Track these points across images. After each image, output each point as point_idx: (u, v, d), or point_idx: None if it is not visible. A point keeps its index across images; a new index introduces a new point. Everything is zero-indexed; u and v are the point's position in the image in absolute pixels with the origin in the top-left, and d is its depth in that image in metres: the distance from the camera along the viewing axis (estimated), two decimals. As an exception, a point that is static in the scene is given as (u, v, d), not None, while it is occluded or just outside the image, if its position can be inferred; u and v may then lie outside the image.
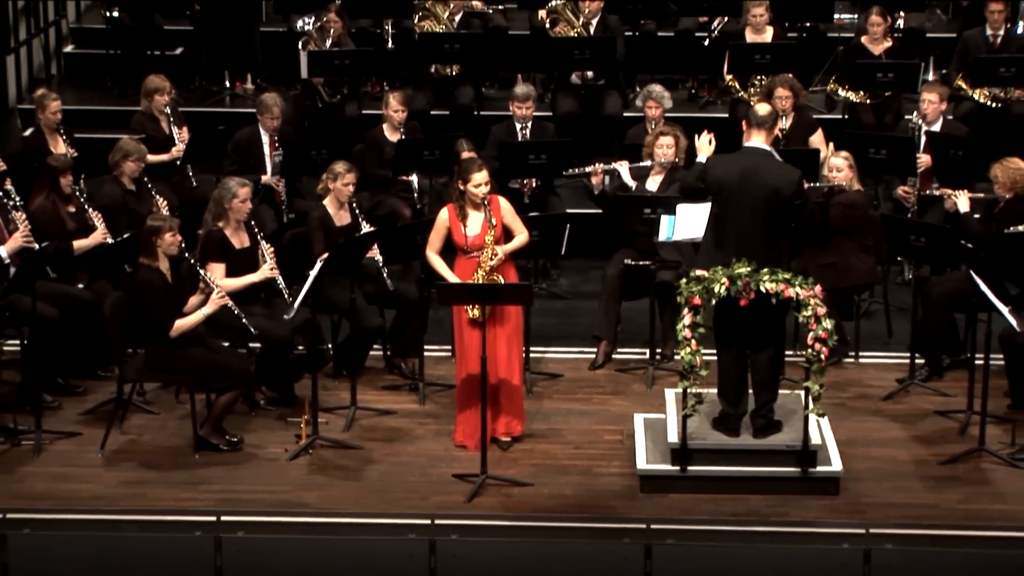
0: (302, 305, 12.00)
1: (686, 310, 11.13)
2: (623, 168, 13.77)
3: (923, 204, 13.96)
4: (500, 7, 17.44)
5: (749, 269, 11.02)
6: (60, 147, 13.97)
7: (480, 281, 11.70)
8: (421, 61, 16.26)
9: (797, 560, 10.44)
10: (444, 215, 11.94)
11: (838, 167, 13.14)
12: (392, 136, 14.50)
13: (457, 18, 16.47)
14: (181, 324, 11.61)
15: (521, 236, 12.04)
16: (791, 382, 11.73)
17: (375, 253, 12.62)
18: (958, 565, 10.35)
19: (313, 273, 11.89)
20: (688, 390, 11.18)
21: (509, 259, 11.99)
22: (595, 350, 13.26)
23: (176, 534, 10.67)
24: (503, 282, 11.77)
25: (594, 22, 16.17)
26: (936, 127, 14.28)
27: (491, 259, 11.79)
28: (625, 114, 15.87)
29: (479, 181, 11.77)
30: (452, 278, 11.82)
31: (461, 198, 11.85)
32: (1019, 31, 16.44)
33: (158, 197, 13.18)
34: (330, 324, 12.74)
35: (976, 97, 15.56)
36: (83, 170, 13.29)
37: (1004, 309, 11.54)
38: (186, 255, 11.83)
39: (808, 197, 11.77)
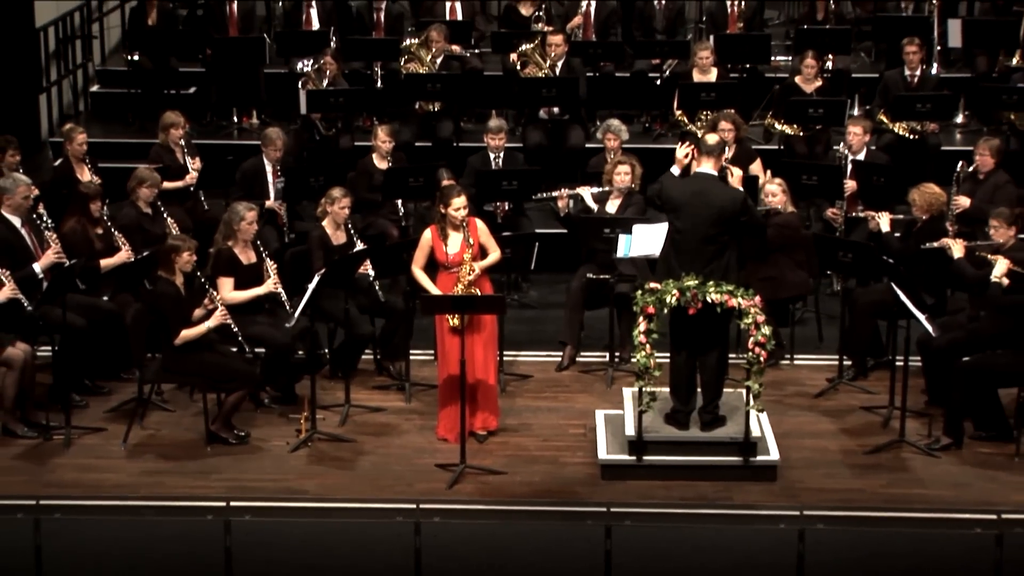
0: (302, 314, 11.99)
1: (641, 318, 11.15)
2: (585, 193, 13.78)
3: (850, 224, 14.00)
4: (476, 51, 17.45)
5: (697, 282, 11.05)
6: (86, 175, 13.96)
7: (459, 293, 11.71)
8: (406, 99, 16.26)
9: (740, 539, 10.43)
10: (427, 235, 11.94)
11: (773, 192, 13.19)
12: (381, 165, 14.49)
13: (438, 61, 16.48)
14: (186, 334, 11.59)
15: (495, 254, 12.04)
16: (734, 382, 11.72)
17: (367, 268, 12.62)
18: (882, 543, 10.35)
19: (311, 286, 11.88)
20: (643, 389, 11.18)
21: (485, 274, 11.99)
22: (561, 354, 13.25)
23: (190, 518, 10.64)
24: (479, 294, 11.77)
25: (559, 64, 16.19)
26: (861, 156, 14.31)
27: (469, 274, 11.80)
28: (587, 145, 15.88)
29: (458, 205, 11.79)
30: (434, 291, 11.81)
31: (442, 220, 11.86)
32: (933, 71, 16.52)
33: (171, 220, 13.18)
34: (327, 331, 12.75)
35: (896, 130, 15.60)
36: (107, 195, 13.25)
37: (921, 317, 11.57)
38: (198, 272, 11.83)
39: (754, 211, 11.85)
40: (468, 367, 11.48)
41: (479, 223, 12.05)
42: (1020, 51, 16.70)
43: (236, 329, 11.73)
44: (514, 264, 13.49)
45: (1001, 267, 11.57)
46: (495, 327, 11.97)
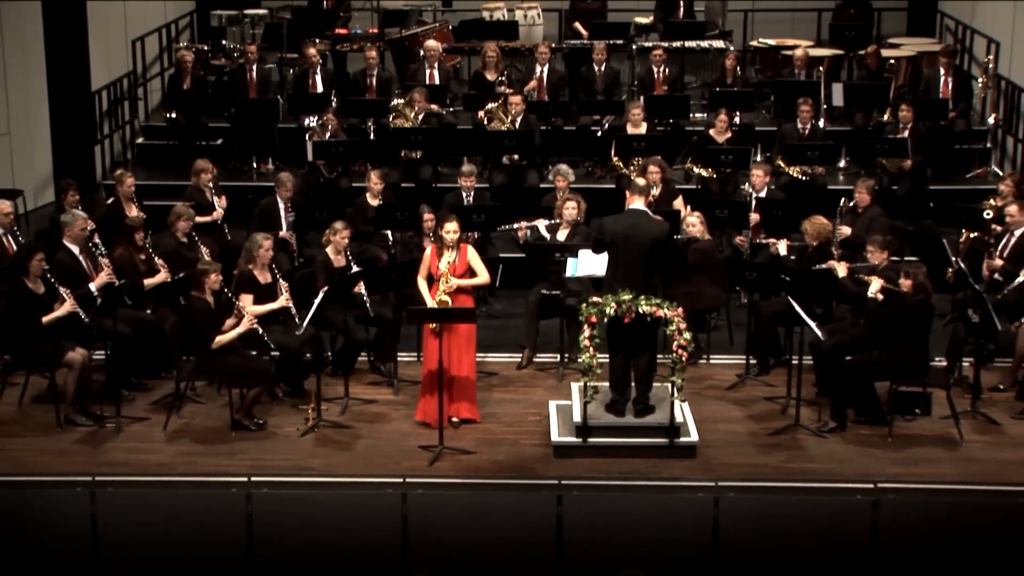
0: (309, 324, 11.98)
1: (586, 326, 11.16)
2: (540, 224, 13.81)
3: (754, 249, 14.02)
4: (451, 109, 17.44)
5: (631, 296, 11.07)
6: (133, 211, 13.89)
7: (437, 298, 11.69)
8: (394, 148, 16.24)
9: (666, 505, 10.48)
10: (428, 251, 11.97)
11: (692, 223, 13.20)
12: (373, 202, 14.46)
13: (420, 117, 16.44)
14: (220, 340, 11.55)
15: (480, 278, 11.96)
16: (661, 377, 11.72)
17: (361, 287, 12.59)
18: (781, 507, 10.41)
19: (317, 301, 11.87)
20: (588, 384, 11.20)
21: (470, 291, 11.94)
22: (521, 355, 13.23)
23: (218, 491, 10.63)
24: (450, 303, 11.72)
25: (519, 119, 16.19)
26: (763, 194, 14.34)
27: (446, 283, 11.75)
28: (541, 186, 15.86)
29: (450, 229, 11.82)
30: (428, 299, 11.78)
31: (440, 241, 11.85)
32: (821, 125, 16.59)
33: (203, 247, 13.14)
34: (329, 338, 12.68)
35: (791, 172, 15.65)
36: (149, 227, 13.21)
37: (812, 324, 11.62)
38: (224, 290, 11.79)
39: (676, 240, 11.91)
40: (447, 366, 11.47)
41: (471, 250, 12.02)
42: (890, 109, 16.81)
43: (262, 332, 11.70)
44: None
45: (875, 285, 11.65)
46: (472, 333, 11.89)
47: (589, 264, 12.43)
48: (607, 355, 11.46)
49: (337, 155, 15.95)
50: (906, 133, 15.83)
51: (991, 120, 17.78)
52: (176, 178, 16.44)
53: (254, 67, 17.68)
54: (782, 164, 15.67)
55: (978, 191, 15.83)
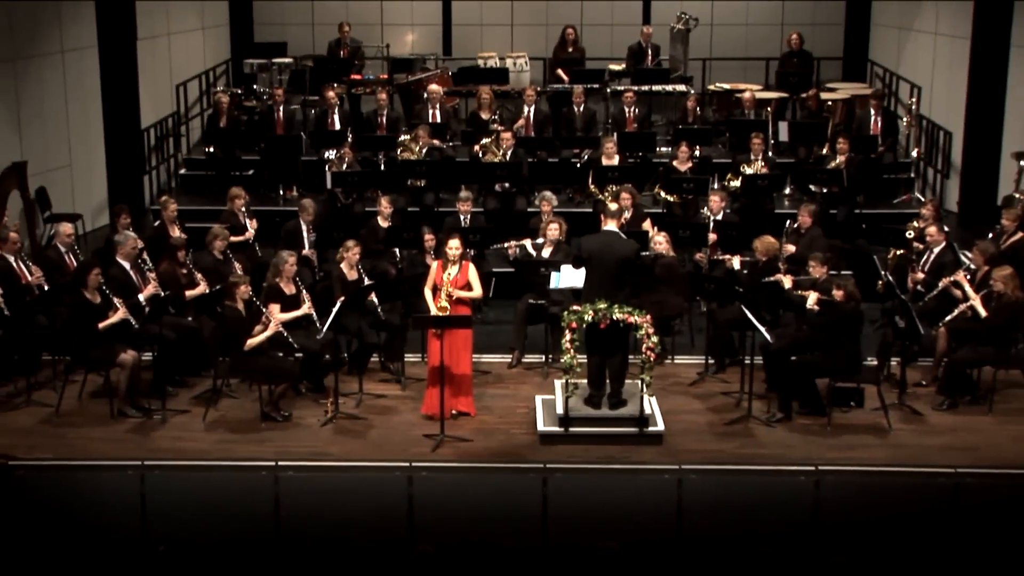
0: (328, 329, 11.93)
1: (567, 331, 11.15)
2: (527, 243, 13.80)
3: (712, 264, 14.00)
4: (451, 143, 17.44)
5: (606, 305, 11.06)
6: (176, 232, 13.86)
7: (438, 307, 11.64)
8: (401, 177, 16.23)
9: (636, 485, 10.47)
10: (435, 265, 11.92)
11: (659, 242, 13.19)
12: (383, 224, 14.43)
13: (424, 151, 16.46)
14: (251, 343, 11.52)
15: (475, 292, 11.89)
16: (632, 375, 11.70)
17: (373, 297, 12.57)
18: (736, 487, 10.42)
19: (335, 309, 11.83)
20: (569, 381, 11.18)
21: (468, 303, 11.89)
22: (511, 356, 13.21)
23: (250, 474, 10.62)
24: (449, 311, 11.69)
25: (509, 152, 16.20)
26: (719, 216, 14.35)
27: (446, 295, 11.72)
28: (528, 210, 15.86)
29: (452, 245, 11.77)
30: (432, 307, 11.73)
31: (445, 256, 11.82)
32: (770, 155, 16.59)
33: (236, 263, 13.12)
34: (345, 341, 12.66)
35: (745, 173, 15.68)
36: (190, 246, 13.20)
37: (762, 329, 11.60)
38: (254, 299, 11.77)
39: (644, 257, 11.88)
40: (446, 364, 11.44)
41: (471, 266, 11.97)
42: (828, 144, 16.84)
43: (287, 335, 11.67)
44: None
45: (813, 297, 11.70)
46: (469, 337, 11.83)
47: (570, 277, 12.44)
48: (585, 356, 11.45)
49: (352, 184, 15.93)
50: (843, 161, 15.90)
51: (914, 153, 17.88)
52: (213, 204, 16.39)
53: (281, 108, 17.69)
54: (735, 183, 15.70)
55: (903, 214, 15.88)
